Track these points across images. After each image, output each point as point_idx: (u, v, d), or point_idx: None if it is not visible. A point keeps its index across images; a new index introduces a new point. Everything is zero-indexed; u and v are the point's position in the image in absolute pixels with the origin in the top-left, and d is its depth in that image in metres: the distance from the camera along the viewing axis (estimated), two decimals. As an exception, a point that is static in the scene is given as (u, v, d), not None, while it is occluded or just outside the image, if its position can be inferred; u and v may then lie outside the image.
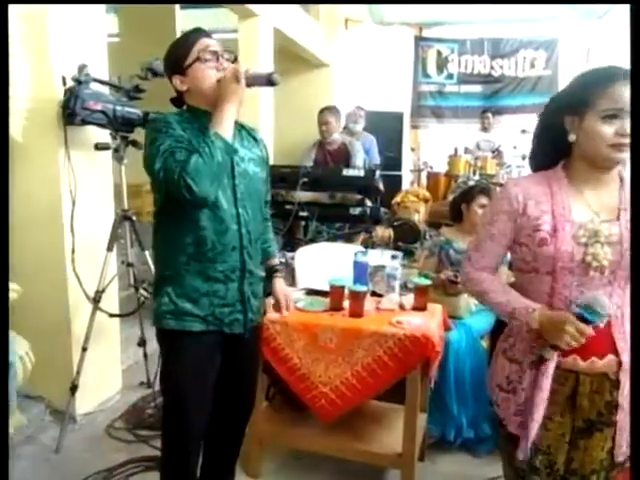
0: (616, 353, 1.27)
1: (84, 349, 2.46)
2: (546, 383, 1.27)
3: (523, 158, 6.39)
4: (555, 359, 1.26)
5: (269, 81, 1.54)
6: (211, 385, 1.65)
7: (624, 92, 1.17)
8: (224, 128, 1.48)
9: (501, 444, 1.44)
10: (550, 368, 1.27)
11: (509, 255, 1.42)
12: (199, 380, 1.61)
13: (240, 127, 1.68)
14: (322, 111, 4.74)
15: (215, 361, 1.65)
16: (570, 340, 1.18)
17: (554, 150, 1.34)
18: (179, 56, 1.55)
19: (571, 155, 1.31)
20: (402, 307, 2.17)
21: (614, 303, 1.26)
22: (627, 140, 1.18)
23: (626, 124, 1.18)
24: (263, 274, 1.77)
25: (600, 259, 1.23)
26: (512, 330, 1.38)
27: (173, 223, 1.56)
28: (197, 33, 1.57)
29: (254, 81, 1.53)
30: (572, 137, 1.26)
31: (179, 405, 1.62)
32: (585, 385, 1.29)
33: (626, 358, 1.27)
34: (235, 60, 1.61)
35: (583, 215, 1.26)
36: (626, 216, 1.25)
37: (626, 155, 1.21)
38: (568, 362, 1.28)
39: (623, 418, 1.28)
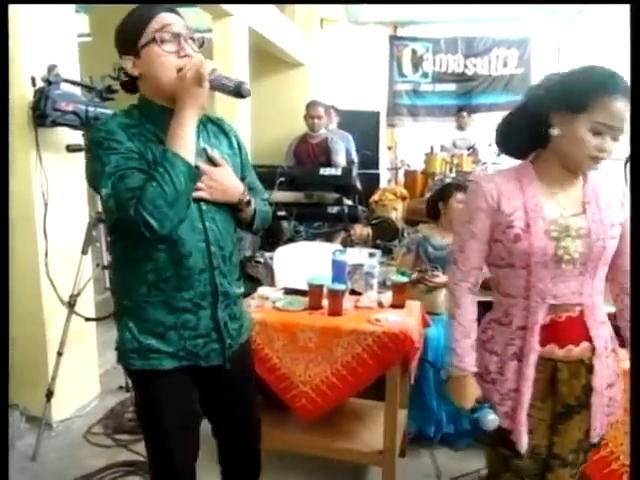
0: (589, 339, 1.33)
1: (59, 354, 2.41)
2: (530, 372, 1.32)
3: (498, 155, 6.49)
4: (537, 349, 1.31)
5: (237, 92, 1.27)
6: (193, 419, 1.47)
7: (621, 109, 1.19)
8: (185, 145, 1.22)
9: (484, 434, 1.45)
10: (532, 358, 1.32)
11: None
12: (178, 418, 1.41)
13: (205, 121, 1.41)
14: (314, 104, 4.63)
15: (193, 396, 1.46)
16: (458, 404, 1.39)
17: (528, 138, 1.35)
18: (132, 32, 1.27)
19: (544, 148, 1.33)
20: (381, 305, 2.18)
21: (586, 292, 1.32)
22: (605, 155, 1.22)
23: (608, 141, 1.21)
24: (240, 290, 1.50)
25: (571, 252, 1.28)
26: (489, 323, 1.42)
27: (128, 248, 1.31)
28: (156, 7, 1.29)
29: (220, 86, 1.28)
30: (555, 131, 1.26)
31: (161, 445, 1.43)
32: (563, 372, 1.34)
33: (598, 343, 1.33)
34: (202, 45, 1.34)
35: (552, 210, 1.31)
36: (591, 209, 1.31)
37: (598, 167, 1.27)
38: (546, 351, 1.33)
39: (597, 401, 1.35)
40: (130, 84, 1.35)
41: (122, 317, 1.37)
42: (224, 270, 1.38)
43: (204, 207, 1.33)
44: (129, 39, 1.27)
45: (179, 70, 1.25)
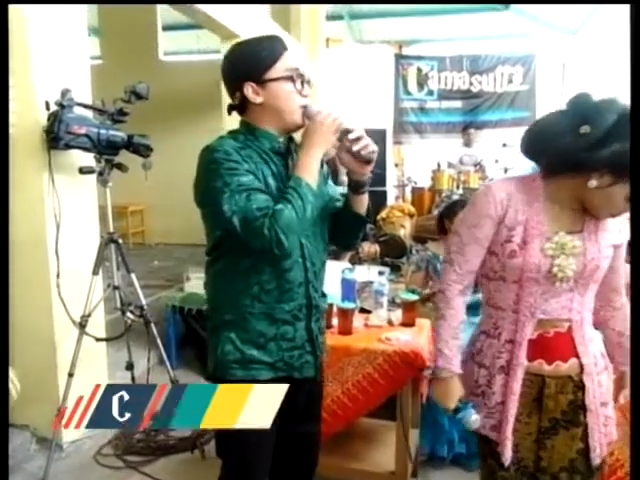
0: (577, 356, 1.33)
1: (70, 375, 2.41)
2: (517, 387, 1.32)
3: (505, 171, 6.52)
4: (524, 364, 1.32)
5: (368, 160, 1.39)
6: (274, 437, 1.47)
7: None
8: (313, 177, 1.33)
9: (478, 446, 1.48)
10: (519, 372, 1.32)
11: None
12: (264, 434, 1.38)
13: (296, 145, 1.48)
14: None
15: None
16: (442, 404, 1.40)
17: (562, 168, 1.27)
18: (260, 64, 1.35)
19: (569, 177, 1.26)
20: (391, 323, 2.18)
21: (574, 309, 1.32)
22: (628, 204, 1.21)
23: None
24: (326, 305, 1.61)
25: (566, 270, 1.28)
26: (479, 335, 1.42)
27: (232, 262, 1.39)
28: (282, 44, 1.39)
29: (348, 145, 1.37)
30: (594, 184, 1.21)
31: (244, 463, 1.45)
32: (551, 387, 1.34)
33: (586, 360, 1.33)
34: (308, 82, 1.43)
35: (550, 227, 1.30)
36: (589, 228, 1.30)
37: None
38: (534, 366, 1.34)
39: (593, 420, 1.34)
40: (238, 107, 1.41)
41: (222, 330, 1.41)
42: (315, 285, 1.46)
43: None
44: (254, 69, 1.35)
45: (301, 107, 1.38)
